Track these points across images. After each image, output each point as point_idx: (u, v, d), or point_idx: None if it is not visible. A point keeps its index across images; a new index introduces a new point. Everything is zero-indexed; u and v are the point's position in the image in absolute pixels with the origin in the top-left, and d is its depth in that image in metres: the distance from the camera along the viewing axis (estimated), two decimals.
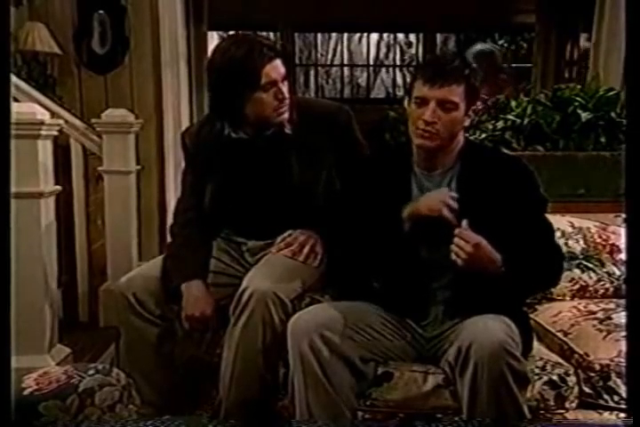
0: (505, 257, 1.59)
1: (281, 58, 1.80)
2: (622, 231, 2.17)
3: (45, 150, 2.09)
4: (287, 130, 1.89)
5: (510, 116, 2.49)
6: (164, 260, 1.93)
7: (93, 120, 2.90)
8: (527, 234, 1.65)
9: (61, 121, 2.27)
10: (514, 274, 1.59)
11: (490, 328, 1.53)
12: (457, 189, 1.69)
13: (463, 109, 1.66)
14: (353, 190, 1.79)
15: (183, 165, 2.07)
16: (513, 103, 2.55)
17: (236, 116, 1.85)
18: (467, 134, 1.80)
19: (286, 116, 1.85)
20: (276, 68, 1.78)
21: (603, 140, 2.35)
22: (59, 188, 2.23)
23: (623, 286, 2.09)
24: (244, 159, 1.90)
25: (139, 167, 3.01)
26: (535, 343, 1.77)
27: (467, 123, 1.72)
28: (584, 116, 2.32)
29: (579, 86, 2.50)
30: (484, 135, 2.51)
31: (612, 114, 2.32)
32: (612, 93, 2.38)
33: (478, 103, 1.98)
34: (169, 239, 2.07)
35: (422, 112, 1.65)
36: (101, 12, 3.38)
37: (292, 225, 1.91)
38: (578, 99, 2.38)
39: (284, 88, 1.81)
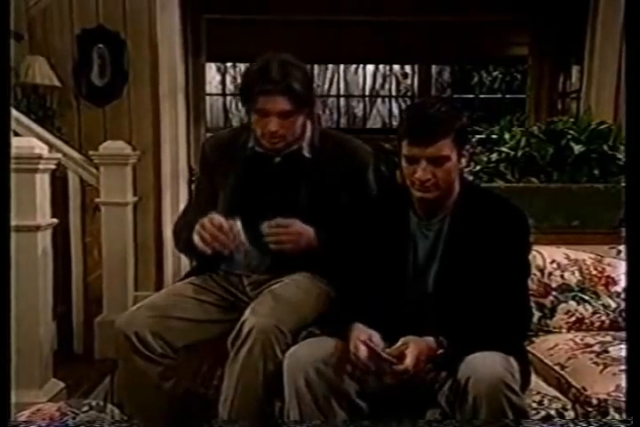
0: (480, 301, 1.61)
1: (287, 94, 1.78)
2: (618, 263, 2.18)
3: (43, 184, 2.11)
4: (306, 153, 1.92)
5: (504, 149, 2.51)
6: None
7: (91, 152, 2.93)
8: (502, 280, 1.66)
9: (59, 155, 2.30)
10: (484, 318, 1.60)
11: (488, 362, 1.52)
12: (447, 236, 1.70)
13: (456, 156, 1.65)
14: (351, 234, 1.80)
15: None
16: (507, 135, 2.58)
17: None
18: (464, 167, 1.80)
19: (279, 146, 1.87)
20: (272, 102, 1.79)
21: (596, 172, 2.37)
22: (55, 220, 2.24)
23: (619, 319, 2.09)
24: (259, 174, 1.93)
25: (136, 199, 3.02)
26: (532, 377, 1.76)
27: (463, 164, 1.71)
28: (577, 148, 2.35)
29: (572, 119, 2.53)
30: (478, 167, 2.53)
31: (605, 147, 2.34)
32: (604, 127, 2.41)
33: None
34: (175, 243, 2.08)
35: (414, 170, 1.64)
36: (101, 45, 3.44)
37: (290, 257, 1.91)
38: (571, 132, 2.40)
39: (277, 121, 1.80)
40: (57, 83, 3.35)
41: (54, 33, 3.43)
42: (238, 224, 1.78)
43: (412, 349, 1.55)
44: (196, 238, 1.77)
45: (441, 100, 1.75)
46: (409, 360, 1.54)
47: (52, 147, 2.63)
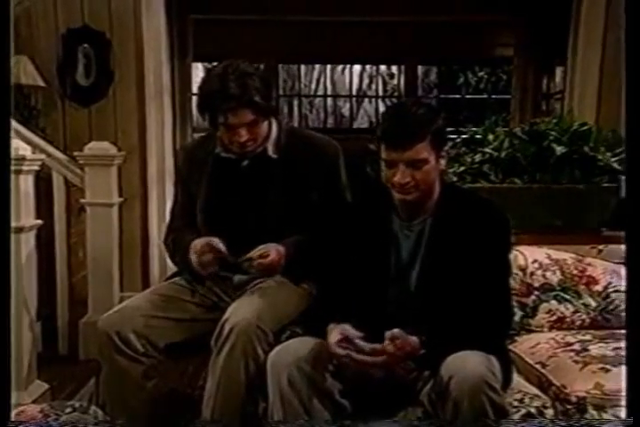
0: (462, 300, 1.63)
1: (250, 107, 1.80)
2: (598, 263, 2.21)
3: (27, 185, 2.11)
4: (271, 154, 1.93)
5: (488, 150, 2.53)
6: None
7: (76, 153, 2.92)
8: (484, 281, 1.68)
9: (43, 156, 2.30)
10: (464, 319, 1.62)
11: (470, 362, 1.54)
12: (429, 237, 1.72)
13: (434, 158, 1.67)
14: (331, 235, 1.82)
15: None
16: (490, 137, 2.60)
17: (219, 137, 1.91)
18: (444, 168, 1.82)
19: (249, 149, 1.89)
20: (238, 116, 1.81)
21: (577, 173, 2.39)
22: (39, 222, 2.24)
23: (599, 318, 2.11)
24: (229, 179, 1.95)
25: (121, 199, 3.02)
26: (514, 375, 1.78)
27: (442, 165, 1.73)
28: (559, 149, 2.37)
29: (554, 120, 2.55)
30: (462, 168, 2.55)
31: (586, 148, 2.37)
32: (585, 128, 2.43)
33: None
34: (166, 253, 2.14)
35: (393, 173, 1.65)
36: (86, 45, 3.42)
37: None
38: (553, 133, 2.42)
39: (245, 131, 1.83)
40: (41, 83, 3.33)
41: (39, 32, 3.41)
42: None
43: (400, 340, 1.57)
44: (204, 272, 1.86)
45: (417, 102, 1.76)
46: (391, 346, 1.56)
47: (36, 147, 2.63)
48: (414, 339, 1.60)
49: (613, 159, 2.36)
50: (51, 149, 2.92)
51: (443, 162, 1.73)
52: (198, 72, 5.93)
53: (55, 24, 3.40)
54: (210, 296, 1.98)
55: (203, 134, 2.13)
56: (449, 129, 1.78)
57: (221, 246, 1.83)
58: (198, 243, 1.85)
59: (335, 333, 1.62)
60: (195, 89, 4.52)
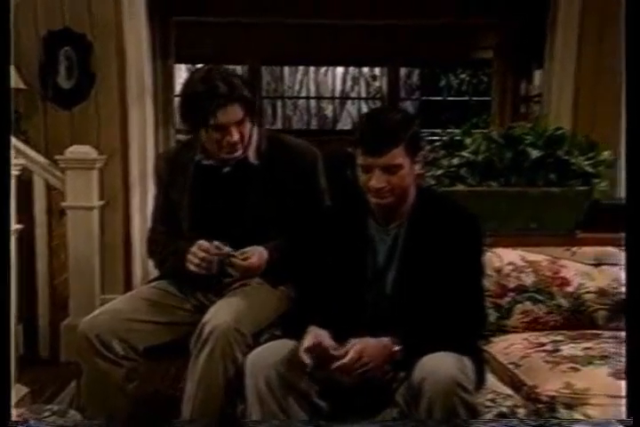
0: (436, 303, 1.66)
1: (239, 102, 1.84)
2: (571, 264, 2.25)
3: None
4: (253, 160, 1.96)
5: (465, 153, 2.56)
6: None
7: (57, 157, 2.93)
8: (456, 284, 1.71)
9: (23, 161, 2.30)
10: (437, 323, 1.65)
11: (442, 364, 1.57)
12: (404, 240, 1.76)
13: (409, 163, 1.70)
14: (309, 239, 1.85)
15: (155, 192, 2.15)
16: (468, 140, 2.64)
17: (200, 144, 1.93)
18: (420, 172, 1.85)
19: (238, 154, 1.92)
20: (229, 113, 1.83)
21: (552, 176, 2.43)
22: (20, 226, 2.24)
23: (571, 318, 2.15)
24: (211, 186, 1.97)
25: (102, 202, 3.02)
26: (489, 375, 1.82)
27: (417, 170, 1.76)
28: (534, 153, 2.41)
29: (529, 125, 2.59)
30: (440, 171, 2.58)
31: (560, 152, 2.41)
32: (559, 132, 2.47)
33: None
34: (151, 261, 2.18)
35: (369, 178, 1.69)
36: (67, 47, 3.41)
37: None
38: (528, 137, 2.46)
39: (236, 131, 1.86)
40: (22, 85, 3.32)
41: (19, 35, 3.38)
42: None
43: (356, 347, 1.60)
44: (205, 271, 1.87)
45: (392, 109, 1.81)
46: (347, 357, 1.59)
47: (17, 151, 2.63)
48: (385, 339, 1.63)
49: (586, 163, 2.41)
50: (31, 152, 2.92)
51: (418, 167, 1.76)
52: (181, 73, 5.93)
53: (35, 26, 3.39)
54: (190, 299, 2.00)
55: (185, 138, 2.15)
56: (430, 131, 1.81)
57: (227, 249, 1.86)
58: (206, 244, 1.85)
59: (309, 337, 1.64)
60: (177, 90, 4.53)
